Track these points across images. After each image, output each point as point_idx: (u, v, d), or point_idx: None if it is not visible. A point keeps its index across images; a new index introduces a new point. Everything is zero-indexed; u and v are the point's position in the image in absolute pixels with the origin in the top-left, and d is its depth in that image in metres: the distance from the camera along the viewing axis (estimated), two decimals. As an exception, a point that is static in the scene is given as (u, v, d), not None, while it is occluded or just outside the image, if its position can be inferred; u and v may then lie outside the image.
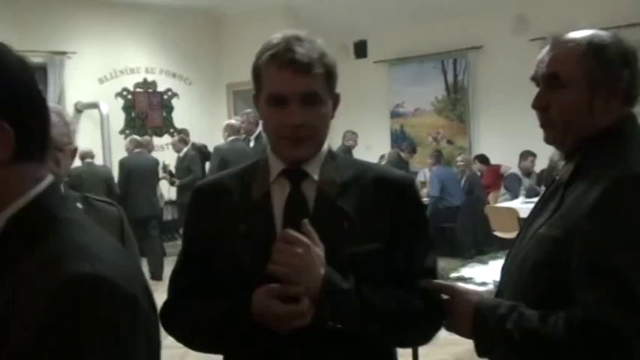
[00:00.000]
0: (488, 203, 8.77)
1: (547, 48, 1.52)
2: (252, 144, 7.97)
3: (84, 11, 10.32)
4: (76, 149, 1.84)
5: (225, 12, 11.64)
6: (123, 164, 8.57)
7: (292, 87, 1.37)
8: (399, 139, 11.31)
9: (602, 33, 1.48)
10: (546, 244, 1.40)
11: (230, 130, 8.17)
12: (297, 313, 1.31)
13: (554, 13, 8.81)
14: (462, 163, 9.21)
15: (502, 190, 9.06)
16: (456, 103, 10.66)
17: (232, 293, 1.39)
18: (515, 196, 8.54)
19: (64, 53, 10.19)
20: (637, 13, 8.45)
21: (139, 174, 8.44)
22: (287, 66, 1.36)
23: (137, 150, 8.78)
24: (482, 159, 9.51)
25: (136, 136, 9.32)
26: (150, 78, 11.38)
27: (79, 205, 1.80)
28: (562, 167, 1.55)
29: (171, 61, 11.52)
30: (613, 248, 1.26)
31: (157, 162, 8.95)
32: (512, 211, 7.32)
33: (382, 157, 10.10)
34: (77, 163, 8.30)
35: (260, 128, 7.99)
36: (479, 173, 9.55)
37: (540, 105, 1.52)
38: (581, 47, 1.46)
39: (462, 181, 9.13)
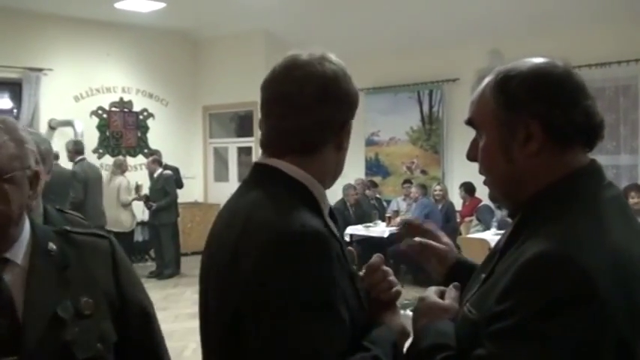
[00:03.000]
0: (461, 234, 8.83)
1: None
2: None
3: (61, 28, 10.29)
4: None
5: (204, 35, 11.67)
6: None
7: None
8: (374, 167, 11.38)
9: (524, 63, 1.24)
10: (466, 327, 1.20)
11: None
12: None
13: (528, 48, 8.95)
14: (441, 193, 9.32)
15: (474, 222, 9.13)
16: (431, 133, 10.76)
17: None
18: (487, 228, 8.61)
19: (39, 70, 10.12)
20: (608, 53, 8.65)
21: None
22: None
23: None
24: (469, 188, 9.53)
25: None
26: (126, 97, 11.34)
27: (52, 245, 1.44)
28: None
29: (149, 81, 11.51)
30: (515, 347, 1.04)
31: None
32: (484, 242, 7.38)
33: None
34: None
35: (81, 156, 8.18)
36: (462, 201, 9.66)
37: (470, 156, 1.31)
38: (491, 84, 1.24)
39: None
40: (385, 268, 1.41)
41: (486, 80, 1.27)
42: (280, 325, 1.12)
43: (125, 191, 9.35)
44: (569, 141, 1.19)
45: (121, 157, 10.08)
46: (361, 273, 1.41)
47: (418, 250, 1.54)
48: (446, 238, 1.58)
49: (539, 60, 1.24)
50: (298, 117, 1.28)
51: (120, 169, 9.53)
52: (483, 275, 1.25)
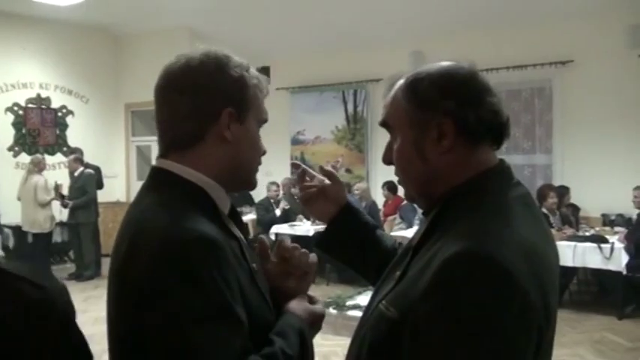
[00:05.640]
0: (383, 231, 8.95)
1: None
2: None
3: (-26, 21, 9.86)
4: None
5: (126, 31, 11.42)
6: None
7: None
8: (299, 166, 11.42)
9: (432, 66, 1.29)
10: (383, 324, 1.19)
11: None
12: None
13: (449, 50, 9.22)
14: (357, 192, 9.41)
15: (397, 220, 9.29)
16: (355, 132, 10.90)
17: (277, 329, 1.29)
18: (409, 226, 8.78)
19: (-50, 64, 9.67)
20: (524, 56, 8.98)
21: None
22: (264, 99, 1.41)
23: None
24: (392, 187, 9.69)
25: None
26: (44, 94, 10.96)
27: None
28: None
29: (68, 77, 11.16)
30: (445, 347, 1.04)
31: None
32: (407, 240, 7.52)
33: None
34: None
35: None
36: (384, 199, 9.80)
37: (385, 159, 1.35)
38: (402, 86, 1.28)
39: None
40: (294, 245, 1.45)
41: (397, 84, 1.30)
42: (174, 334, 1.11)
43: (43, 191, 9.02)
44: (479, 138, 1.23)
45: (38, 156, 9.71)
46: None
47: (309, 193, 1.65)
48: (336, 178, 1.68)
49: (445, 63, 1.29)
50: (166, 111, 1.31)
51: (37, 167, 9.19)
52: (398, 272, 1.25)
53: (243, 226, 1.39)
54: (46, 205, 9.06)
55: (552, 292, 1.14)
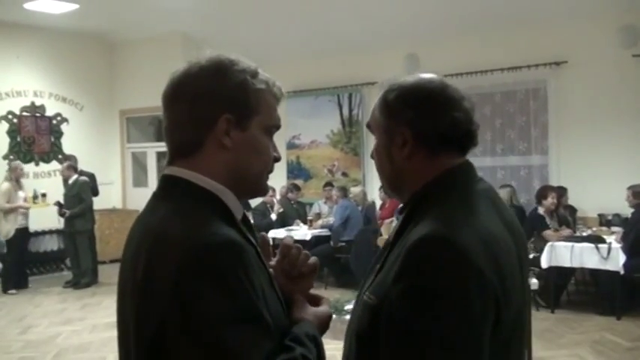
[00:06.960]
0: (381, 234, 8.96)
1: None
2: None
3: (-33, 30, 9.83)
4: None
5: (120, 37, 11.41)
6: None
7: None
8: (295, 170, 11.42)
9: (408, 78, 1.42)
10: (367, 313, 1.30)
11: None
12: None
13: (443, 53, 9.25)
14: (352, 196, 9.40)
15: (395, 222, 9.28)
16: (351, 136, 10.90)
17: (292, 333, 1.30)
18: (406, 228, 8.77)
19: (-57, 73, 9.63)
20: (519, 57, 8.98)
21: None
22: (279, 104, 1.39)
23: None
24: None
25: None
26: (38, 102, 10.94)
27: None
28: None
29: (62, 85, 11.14)
30: (415, 327, 1.17)
31: None
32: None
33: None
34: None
35: None
36: (380, 202, 9.79)
37: (372, 155, 1.50)
38: (380, 95, 1.44)
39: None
40: (297, 245, 1.50)
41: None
42: (206, 340, 1.12)
43: (1, 197, 8.93)
44: (437, 147, 1.36)
45: (15, 162, 9.60)
46: (273, 262, 1.46)
47: None
48: None
49: (420, 75, 1.42)
50: (167, 118, 1.34)
51: (14, 173, 9.13)
52: (378, 266, 1.38)
53: (254, 232, 1.38)
54: (7, 212, 8.94)
55: (511, 275, 1.26)
